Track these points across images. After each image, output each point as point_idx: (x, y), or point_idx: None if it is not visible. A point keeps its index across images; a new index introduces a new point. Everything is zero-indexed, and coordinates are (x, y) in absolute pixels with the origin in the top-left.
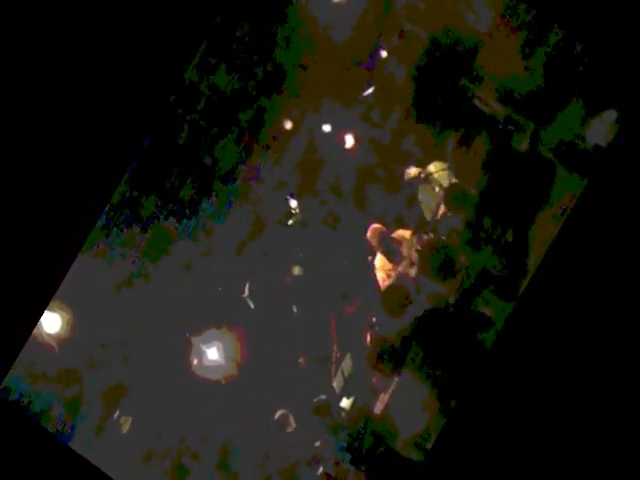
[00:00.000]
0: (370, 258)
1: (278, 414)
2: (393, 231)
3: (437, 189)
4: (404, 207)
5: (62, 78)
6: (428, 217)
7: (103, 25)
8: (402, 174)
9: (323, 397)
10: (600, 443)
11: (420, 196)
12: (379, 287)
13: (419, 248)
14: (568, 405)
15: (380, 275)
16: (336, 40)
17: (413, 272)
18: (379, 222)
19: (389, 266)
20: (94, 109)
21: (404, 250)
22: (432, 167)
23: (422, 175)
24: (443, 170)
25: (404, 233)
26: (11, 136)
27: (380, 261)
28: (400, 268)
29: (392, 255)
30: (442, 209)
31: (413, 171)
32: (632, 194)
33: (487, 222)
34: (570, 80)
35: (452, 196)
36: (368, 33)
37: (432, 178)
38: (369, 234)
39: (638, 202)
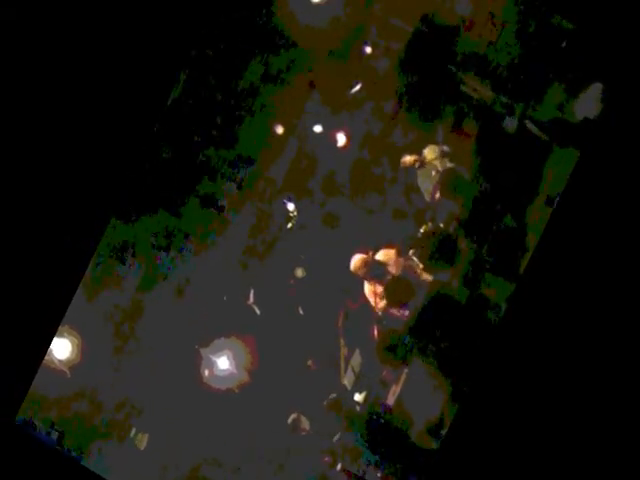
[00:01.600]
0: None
1: (291, 418)
2: (375, 253)
3: (434, 173)
4: (400, 199)
5: (62, 78)
6: (427, 199)
7: (101, 27)
8: (396, 166)
9: (334, 395)
10: (606, 411)
11: (419, 180)
12: (376, 310)
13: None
14: (576, 379)
15: (373, 300)
16: (318, 40)
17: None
18: (375, 220)
19: (380, 289)
20: (93, 112)
21: (391, 268)
22: (427, 153)
23: (417, 163)
24: (437, 157)
25: (388, 252)
26: (10, 148)
27: (369, 288)
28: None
29: (381, 278)
30: (441, 193)
31: (408, 159)
32: (624, 166)
33: (484, 206)
34: (554, 56)
35: (447, 182)
36: (350, 30)
37: (428, 162)
38: (352, 267)
39: (630, 174)
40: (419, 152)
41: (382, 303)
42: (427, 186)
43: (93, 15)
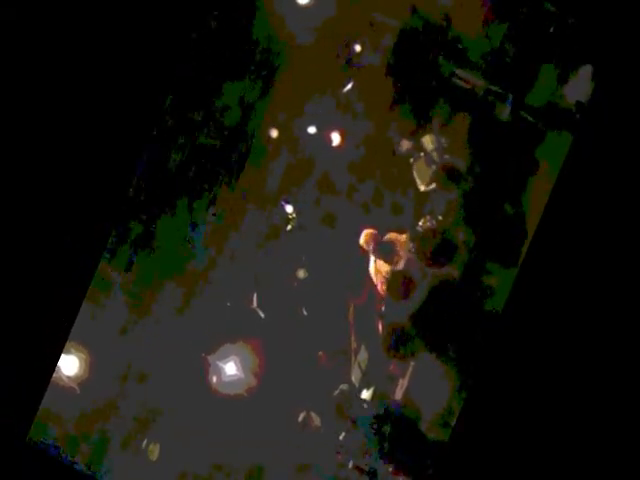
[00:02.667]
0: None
1: (301, 417)
2: (385, 233)
3: (430, 163)
4: (397, 196)
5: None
6: (422, 189)
7: (99, 28)
8: (392, 163)
9: (344, 387)
10: (608, 394)
11: (414, 170)
12: (379, 291)
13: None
14: (582, 365)
15: (378, 278)
16: (308, 41)
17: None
18: (373, 218)
19: (386, 268)
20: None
21: (399, 250)
22: (425, 142)
23: (412, 158)
24: (435, 147)
25: (398, 235)
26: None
27: (375, 266)
28: (399, 266)
29: (388, 257)
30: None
31: (406, 145)
32: (618, 147)
33: (481, 196)
34: (542, 42)
35: (444, 174)
36: (338, 30)
37: (425, 152)
38: (362, 240)
39: (625, 155)
40: (417, 141)
41: (384, 285)
42: (422, 176)
43: (87, 21)
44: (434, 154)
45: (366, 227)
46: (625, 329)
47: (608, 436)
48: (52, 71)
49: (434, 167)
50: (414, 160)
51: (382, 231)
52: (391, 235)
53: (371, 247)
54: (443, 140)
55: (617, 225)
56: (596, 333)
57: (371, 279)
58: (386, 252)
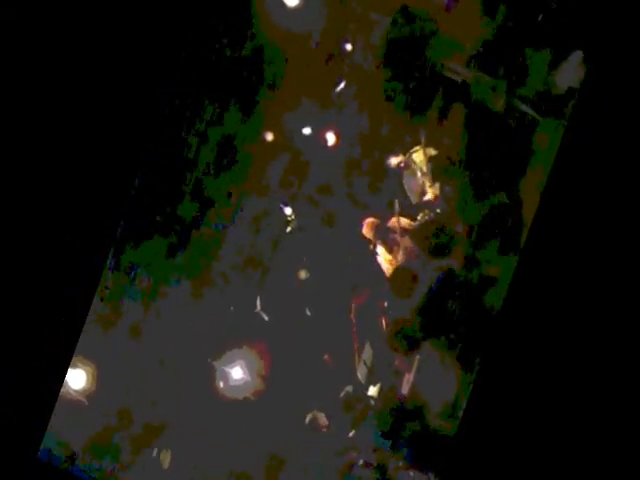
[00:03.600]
0: (371, 247)
1: (308, 418)
2: (387, 220)
3: (419, 174)
4: (394, 192)
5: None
6: (414, 201)
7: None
8: (387, 161)
9: (349, 389)
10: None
11: (404, 182)
12: (386, 276)
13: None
14: (587, 349)
15: (385, 266)
16: (298, 43)
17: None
18: (372, 215)
19: (389, 256)
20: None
21: (399, 236)
22: (415, 156)
23: (402, 164)
24: (425, 160)
25: (397, 220)
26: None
27: (382, 251)
28: (399, 257)
29: (390, 244)
30: (428, 194)
31: (394, 161)
32: (612, 131)
33: (478, 186)
34: (532, 30)
35: (438, 168)
36: (329, 30)
37: (414, 163)
38: (364, 229)
39: (619, 139)
40: (405, 153)
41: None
42: (413, 187)
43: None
44: (423, 167)
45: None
46: (626, 309)
47: (615, 420)
48: (50, 72)
49: (424, 179)
50: (403, 174)
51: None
52: (393, 220)
53: (372, 235)
54: (433, 152)
55: (614, 207)
56: (599, 317)
57: (373, 276)
58: (387, 237)
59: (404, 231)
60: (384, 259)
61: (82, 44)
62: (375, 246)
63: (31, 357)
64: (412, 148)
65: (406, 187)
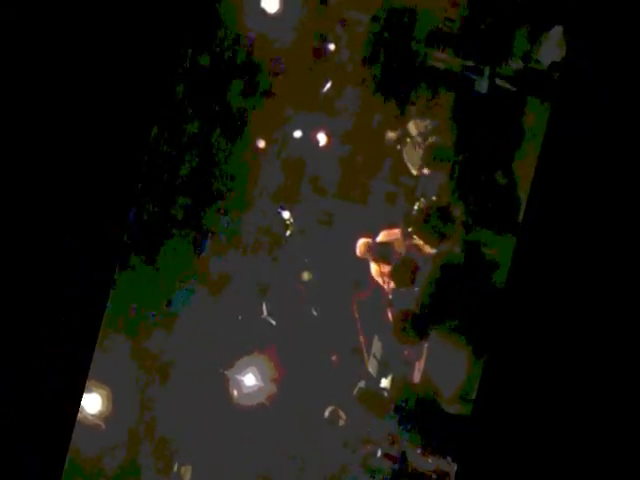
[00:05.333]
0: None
1: (327, 412)
2: (377, 235)
3: (417, 147)
4: (389, 185)
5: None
6: (415, 173)
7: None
8: (380, 154)
9: (362, 384)
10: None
11: (405, 156)
12: (386, 290)
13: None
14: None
15: (381, 280)
16: (281, 47)
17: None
18: (370, 211)
19: (387, 269)
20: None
21: (396, 247)
22: (411, 127)
23: (399, 144)
24: (421, 131)
25: (390, 232)
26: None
27: (375, 269)
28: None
29: (387, 258)
30: (426, 169)
31: (392, 134)
32: (597, 101)
33: (471, 170)
34: (512, 9)
35: (432, 155)
36: (311, 32)
37: (412, 137)
38: (358, 251)
39: (604, 108)
40: (402, 127)
41: (391, 283)
42: (413, 160)
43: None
44: (419, 138)
45: (360, 235)
46: (626, 281)
47: (623, 385)
48: (49, 73)
49: (422, 150)
50: (402, 147)
51: (376, 228)
52: (383, 235)
53: (368, 255)
54: (427, 122)
55: (605, 178)
56: (601, 287)
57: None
58: (384, 254)
59: (397, 242)
60: (378, 275)
61: (81, 44)
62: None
63: (45, 385)
64: (407, 123)
65: (406, 159)
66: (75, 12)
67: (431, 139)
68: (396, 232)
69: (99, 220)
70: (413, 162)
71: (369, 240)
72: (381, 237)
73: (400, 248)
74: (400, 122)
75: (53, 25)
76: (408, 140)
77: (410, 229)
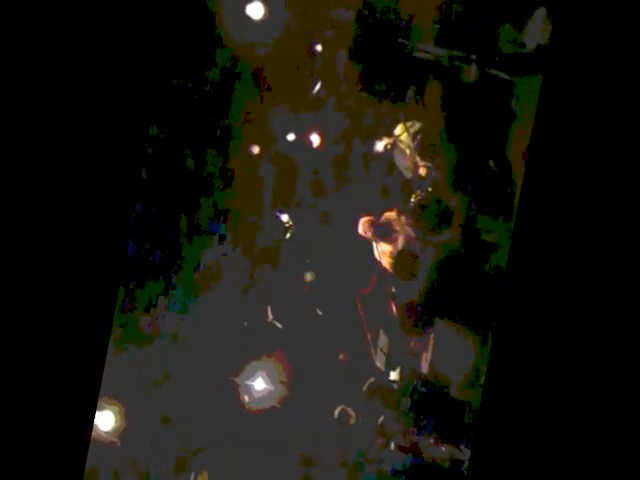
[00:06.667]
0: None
1: (337, 412)
2: (381, 215)
3: (408, 151)
4: (385, 180)
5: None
6: (409, 176)
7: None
8: (373, 149)
9: (372, 380)
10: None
11: (396, 161)
12: (389, 271)
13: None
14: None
15: (386, 260)
16: (268, 52)
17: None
18: (367, 208)
19: (389, 249)
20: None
21: (396, 226)
22: (398, 131)
23: (389, 146)
24: (409, 134)
25: (391, 213)
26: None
27: (379, 250)
28: (399, 242)
29: (387, 236)
30: (420, 168)
31: (380, 145)
32: (585, 80)
33: (465, 158)
34: None
35: (424, 144)
36: (297, 36)
37: (400, 141)
38: (360, 229)
39: (592, 86)
40: (389, 134)
41: (393, 265)
42: (405, 165)
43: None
44: (408, 142)
45: (362, 216)
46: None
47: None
48: (47, 76)
49: (413, 154)
50: (392, 150)
51: (378, 215)
52: (386, 215)
53: (370, 233)
54: (414, 122)
55: (596, 155)
56: (601, 267)
57: (377, 265)
58: (385, 232)
59: (397, 222)
60: (383, 255)
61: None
62: (372, 244)
63: (57, 407)
64: (395, 127)
65: (398, 165)
66: (69, 13)
67: (419, 138)
68: (392, 213)
69: (100, 247)
70: (405, 167)
71: (371, 218)
72: (384, 217)
73: (399, 227)
74: (391, 120)
75: (53, 25)
76: (399, 144)
77: (408, 220)
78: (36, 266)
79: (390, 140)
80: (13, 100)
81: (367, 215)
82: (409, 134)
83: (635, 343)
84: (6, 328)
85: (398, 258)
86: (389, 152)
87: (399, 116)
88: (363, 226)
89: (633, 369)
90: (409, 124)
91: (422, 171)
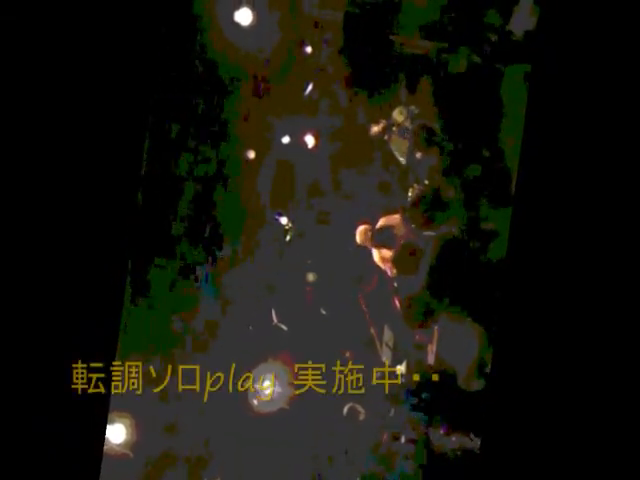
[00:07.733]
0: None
1: (346, 409)
2: (377, 222)
3: (405, 135)
4: (381, 176)
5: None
6: (404, 162)
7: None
8: (369, 147)
9: (378, 374)
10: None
11: (392, 146)
12: (389, 276)
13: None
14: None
15: (386, 265)
16: (261, 57)
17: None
18: (365, 212)
19: (390, 254)
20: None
21: (397, 231)
22: (396, 115)
23: (386, 134)
24: (406, 117)
25: (389, 218)
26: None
27: (377, 255)
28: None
29: (388, 243)
30: (417, 153)
31: (376, 128)
32: (573, 65)
33: (459, 147)
34: None
35: (420, 138)
36: (286, 38)
37: (398, 125)
38: (358, 239)
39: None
40: (386, 118)
41: (394, 269)
42: (401, 149)
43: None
44: (406, 124)
45: (359, 223)
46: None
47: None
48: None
49: (409, 137)
50: (388, 137)
51: (374, 219)
52: (382, 221)
53: (368, 242)
54: (412, 107)
55: (589, 140)
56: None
57: (378, 266)
58: (385, 239)
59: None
60: (382, 261)
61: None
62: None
63: (68, 422)
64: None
65: (394, 149)
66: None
67: (417, 123)
68: (396, 217)
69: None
70: (401, 151)
71: (368, 226)
72: (381, 222)
73: (400, 232)
74: (383, 113)
75: (53, 25)
76: (394, 129)
77: (407, 215)
78: (36, 266)
79: (386, 123)
80: (13, 101)
81: (364, 223)
82: (406, 117)
83: (635, 328)
84: (17, 355)
85: (400, 254)
86: (385, 143)
87: (400, 94)
88: (361, 236)
89: (634, 356)
90: (406, 108)
91: (419, 155)
